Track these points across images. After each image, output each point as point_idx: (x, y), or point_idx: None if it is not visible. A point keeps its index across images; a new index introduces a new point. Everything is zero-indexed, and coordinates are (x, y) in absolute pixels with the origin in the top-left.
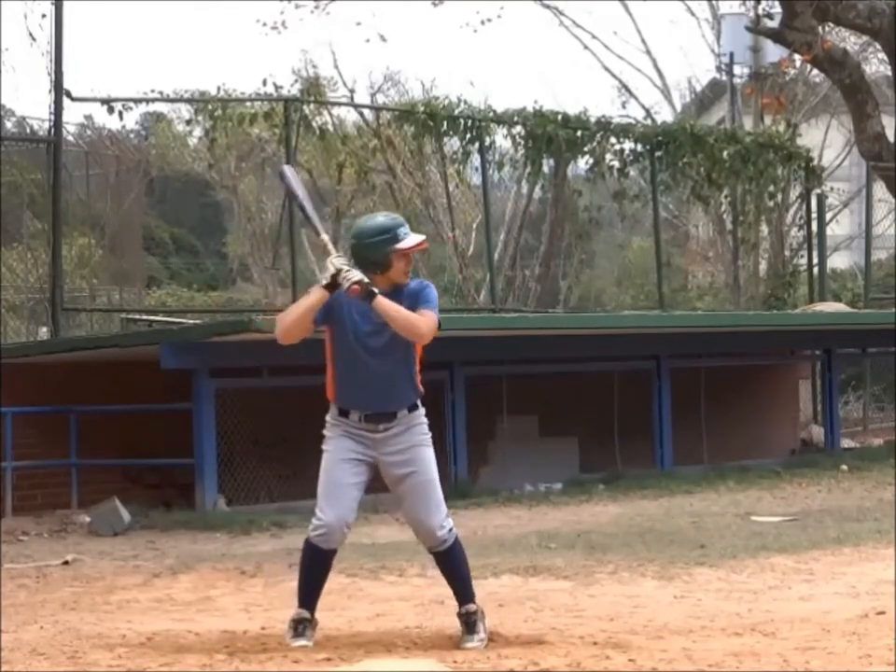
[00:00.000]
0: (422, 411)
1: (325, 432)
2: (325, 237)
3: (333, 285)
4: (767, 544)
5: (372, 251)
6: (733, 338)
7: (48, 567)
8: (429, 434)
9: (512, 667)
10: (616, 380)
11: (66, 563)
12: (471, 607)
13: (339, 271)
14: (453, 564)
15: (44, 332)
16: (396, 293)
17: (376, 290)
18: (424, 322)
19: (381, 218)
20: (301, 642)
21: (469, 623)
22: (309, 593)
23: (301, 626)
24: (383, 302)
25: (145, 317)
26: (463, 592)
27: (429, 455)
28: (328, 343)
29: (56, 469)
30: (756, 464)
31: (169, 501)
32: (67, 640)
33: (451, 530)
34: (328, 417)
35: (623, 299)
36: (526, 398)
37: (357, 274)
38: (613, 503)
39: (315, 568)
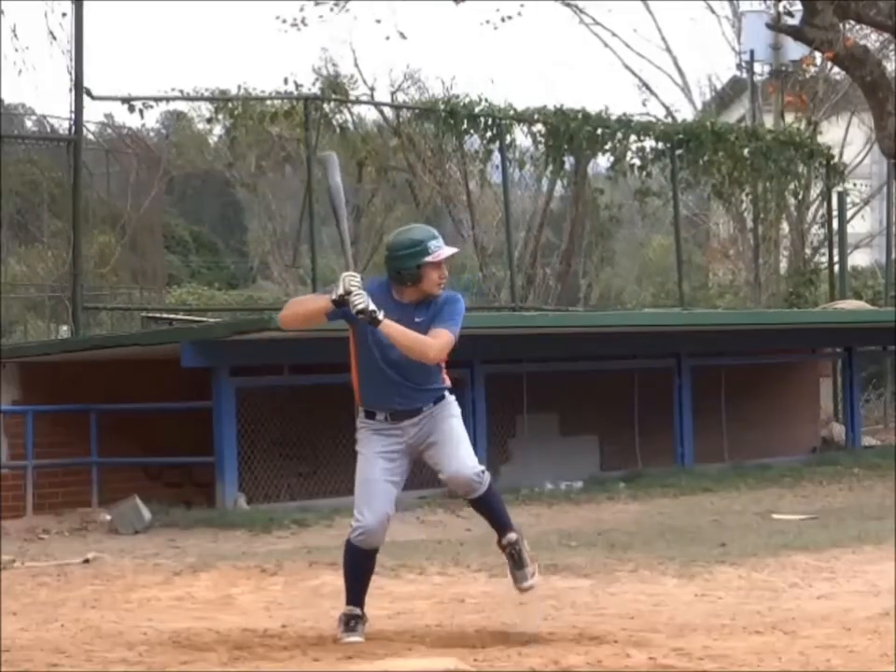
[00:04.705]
0: (451, 398)
1: (357, 435)
2: (349, 256)
3: (341, 302)
4: (788, 542)
5: (403, 264)
6: (753, 336)
7: (68, 566)
8: (458, 410)
9: (533, 665)
10: (636, 378)
11: (87, 561)
12: (512, 536)
13: (348, 293)
14: (490, 505)
15: (65, 331)
16: (426, 304)
17: (380, 318)
18: (433, 344)
19: (413, 231)
20: (354, 638)
21: (514, 554)
22: (355, 590)
23: (353, 622)
24: (389, 327)
25: (165, 316)
26: (501, 524)
27: (455, 421)
28: (351, 343)
29: (77, 467)
30: (777, 462)
31: (189, 499)
32: (88, 638)
33: (483, 472)
34: (357, 420)
35: (644, 297)
36: (547, 395)
37: (363, 301)
38: (634, 501)
39: (358, 568)
